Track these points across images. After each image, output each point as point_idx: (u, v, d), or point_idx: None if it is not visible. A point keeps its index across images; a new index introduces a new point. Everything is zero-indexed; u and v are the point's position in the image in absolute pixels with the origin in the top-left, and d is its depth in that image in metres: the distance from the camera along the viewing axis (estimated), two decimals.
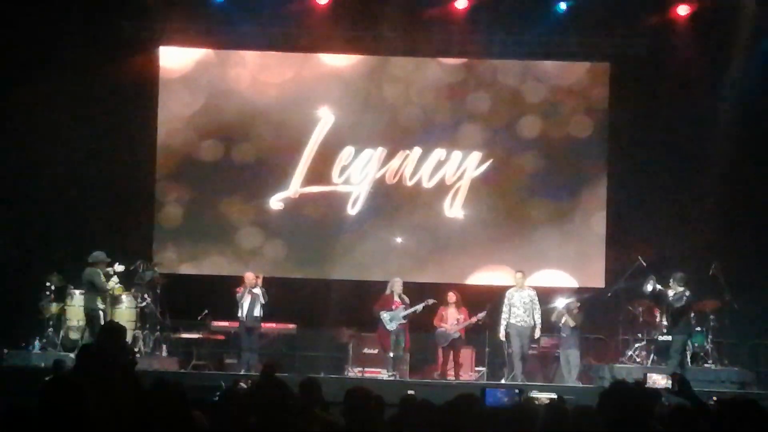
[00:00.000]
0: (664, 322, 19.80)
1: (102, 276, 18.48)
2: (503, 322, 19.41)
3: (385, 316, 19.63)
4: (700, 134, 20.80)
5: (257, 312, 19.43)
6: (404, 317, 19.61)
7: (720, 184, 20.64)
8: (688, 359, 19.06)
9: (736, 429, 5.39)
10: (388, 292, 19.85)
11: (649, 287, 19.12)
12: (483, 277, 21.56)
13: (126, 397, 8.09)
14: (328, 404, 9.43)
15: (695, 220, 20.67)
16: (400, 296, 19.78)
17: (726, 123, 20.50)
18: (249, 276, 19.65)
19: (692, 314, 19.01)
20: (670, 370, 17.76)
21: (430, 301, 19.73)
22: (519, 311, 19.36)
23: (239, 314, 19.48)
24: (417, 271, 21.32)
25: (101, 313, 18.39)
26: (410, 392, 12.68)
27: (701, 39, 20.69)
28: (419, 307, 19.67)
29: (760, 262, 20.12)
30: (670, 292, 18.64)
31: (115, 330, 9.21)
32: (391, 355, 19.55)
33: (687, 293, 18.56)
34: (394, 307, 19.69)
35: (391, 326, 19.58)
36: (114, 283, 18.76)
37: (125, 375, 8.49)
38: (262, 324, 19.63)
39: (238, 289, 19.46)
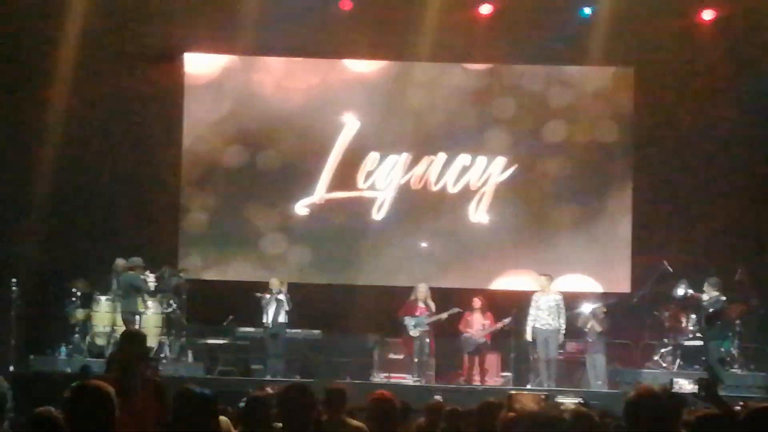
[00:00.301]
0: (691, 327, 19.77)
1: (141, 280, 18.79)
2: (530, 325, 19.37)
3: (408, 321, 19.64)
4: (725, 139, 20.74)
5: (282, 318, 19.48)
6: (428, 324, 19.61)
7: (745, 188, 20.59)
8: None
9: None
10: (412, 297, 19.86)
11: (681, 291, 19.07)
12: (508, 282, 21.55)
13: (147, 402, 8.13)
14: (353, 410, 9.44)
15: (721, 225, 20.57)
16: (425, 302, 19.77)
17: (751, 128, 20.41)
18: (274, 282, 19.70)
19: (726, 319, 18.94)
20: (719, 376, 17.82)
21: (455, 310, 19.72)
22: (544, 315, 19.30)
23: (264, 320, 19.53)
24: (442, 276, 21.29)
25: (138, 317, 18.63)
26: (437, 398, 12.67)
27: (726, 44, 20.60)
28: (444, 315, 19.66)
29: None
30: (704, 297, 18.56)
31: (134, 336, 9.26)
32: (416, 360, 19.55)
33: (722, 298, 18.49)
34: (418, 313, 19.70)
35: (414, 332, 19.60)
36: (153, 284, 19.00)
37: (146, 381, 8.52)
38: (287, 330, 19.66)
39: (264, 293, 19.54)
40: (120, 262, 19.44)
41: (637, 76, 21.67)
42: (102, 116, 20.68)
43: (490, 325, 19.65)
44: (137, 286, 18.76)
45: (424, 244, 21.80)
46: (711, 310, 18.50)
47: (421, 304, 19.75)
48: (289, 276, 20.49)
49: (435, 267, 21.63)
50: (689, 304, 19.50)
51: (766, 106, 20.24)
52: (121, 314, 18.86)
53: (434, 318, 19.64)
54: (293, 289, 19.74)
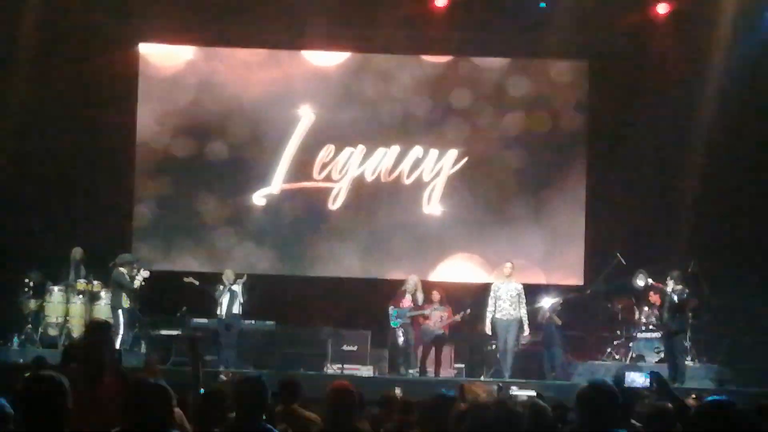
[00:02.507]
0: (644, 319, 19.87)
1: (126, 276, 18.78)
2: (489, 316, 19.24)
3: (391, 311, 19.64)
4: (680, 132, 20.85)
5: (236, 309, 19.45)
6: (409, 316, 19.57)
7: (699, 181, 20.69)
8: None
9: (714, 429, 5.39)
10: (402, 288, 19.81)
11: (640, 282, 19.12)
12: (462, 273, 21.60)
13: (112, 393, 8.10)
14: (307, 401, 9.44)
15: (674, 218, 20.72)
16: (413, 294, 19.70)
17: (706, 120, 20.51)
18: (228, 273, 19.69)
19: (689, 311, 19.05)
20: (681, 368, 17.96)
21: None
22: (505, 305, 19.16)
23: (218, 311, 19.49)
24: (396, 268, 21.30)
25: (120, 312, 18.62)
26: (398, 390, 12.67)
27: (681, 37, 20.72)
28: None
29: (738, 259, 20.16)
30: (668, 289, 18.62)
31: (100, 326, 9.21)
32: (399, 350, 19.59)
33: (686, 290, 18.58)
34: (403, 304, 19.67)
35: (395, 323, 19.58)
36: (139, 282, 18.94)
37: (111, 371, 8.50)
38: (241, 321, 19.64)
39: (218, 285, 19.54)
40: (78, 250, 19.39)
41: (592, 69, 21.78)
42: (56, 105, 20.51)
43: (448, 317, 19.66)
44: (120, 282, 18.75)
45: (378, 236, 21.81)
46: (676, 301, 18.55)
47: (408, 296, 19.69)
48: (242, 267, 20.45)
49: (390, 258, 21.68)
50: (646, 296, 19.61)
51: (721, 99, 20.35)
52: (111, 308, 18.85)
53: (417, 312, 19.55)
54: (247, 280, 19.70)
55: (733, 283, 19.77)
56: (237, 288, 19.46)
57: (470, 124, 21.90)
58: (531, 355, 19.99)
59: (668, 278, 18.63)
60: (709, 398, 5.59)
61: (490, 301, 19.28)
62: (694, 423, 5.50)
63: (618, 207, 21.04)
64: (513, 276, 19.44)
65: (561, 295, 19.91)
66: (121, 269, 18.85)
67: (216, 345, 19.40)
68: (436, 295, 19.80)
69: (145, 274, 19.03)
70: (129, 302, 18.87)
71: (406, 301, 19.69)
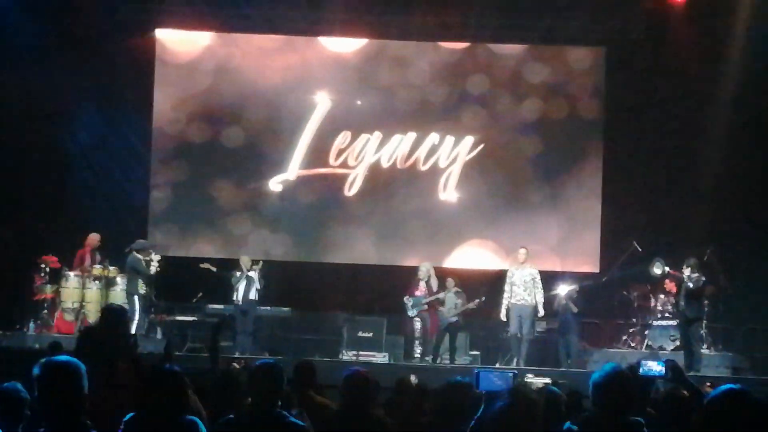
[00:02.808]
0: (660, 307, 19.84)
1: (142, 262, 18.79)
2: (504, 302, 19.16)
3: (407, 302, 19.63)
4: (697, 119, 20.77)
5: (252, 295, 19.44)
6: (426, 303, 19.57)
7: (716, 169, 20.62)
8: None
9: (727, 418, 5.36)
10: (416, 277, 19.81)
11: (657, 270, 19.05)
12: (478, 260, 21.58)
13: (127, 378, 8.11)
14: (322, 387, 9.44)
15: (691, 206, 20.65)
16: (427, 281, 19.68)
17: (723, 108, 20.43)
18: (245, 260, 19.68)
19: (705, 299, 19.04)
20: (698, 356, 17.91)
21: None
22: (520, 290, 19.07)
23: (234, 297, 19.49)
24: (412, 254, 21.29)
25: (136, 298, 18.61)
26: (412, 377, 12.67)
27: (698, 24, 20.62)
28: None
29: (755, 247, 20.10)
30: (685, 276, 18.57)
31: (115, 312, 9.21)
32: (416, 339, 19.58)
33: (703, 278, 18.52)
34: (417, 292, 19.66)
35: (411, 312, 19.57)
36: (155, 268, 18.98)
37: (127, 357, 8.52)
38: (257, 307, 19.65)
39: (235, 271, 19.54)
40: (95, 236, 19.45)
41: (608, 56, 21.71)
42: (72, 90, 20.48)
43: (462, 304, 19.64)
44: (136, 268, 18.77)
45: (394, 222, 21.80)
46: (692, 288, 18.49)
47: (422, 284, 19.67)
48: (258, 253, 20.47)
49: (405, 245, 21.65)
50: (662, 283, 19.57)
51: (738, 86, 20.28)
52: (126, 294, 18.87)
53: (432, 298, 19.55)
54: (263, 266, 19.70)
55: (750, 271, 19.74)
56: (253, 274, 19.43)
57: (487, 110, 21.86)
58: (547, 343, 19.96)
59: (684, 266, 18.56)
60: (723, 387, 5.57)
61: (506, 287, 19.21)
62: (708, 411, 5.47)
63: (634, 194, 21.00)
64: (528, 262, 19.33)
65: (577, 282, 19.83)
66: (137, 255, 18.85)
67: (232, 331, 19.41)
68: (450, 282, 19.77)
69: (156, 257, 19.07)
70: (145, 288, 18.91)
71: (421, 289, 19.66)
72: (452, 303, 19.63)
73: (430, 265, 19.98)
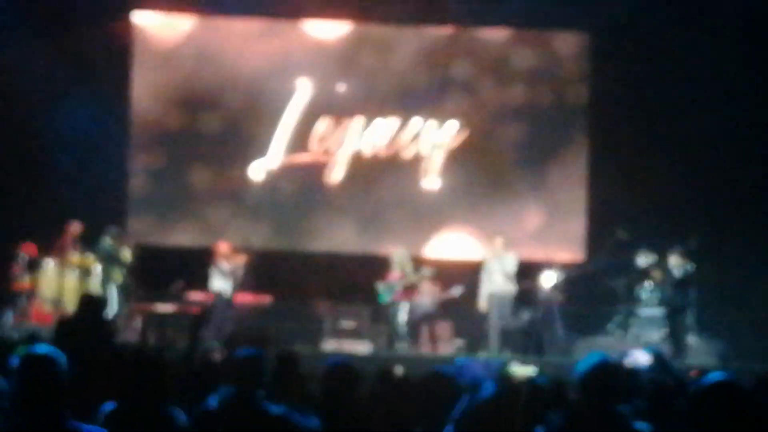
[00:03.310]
0: (645, 296, 19.80)
1: (115, 249, 18.87)
2: (483, 292, 19.12)
3: (380, 288, 19.51)
4: (681, 105, 20.71)
5: (231, 285, 19.33)
6: (402, 287, 19.38)
7: (702, 155, 20.61)
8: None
9: (715, 410, 5.30)
10: (390, 262, 19.66)
11: (642, 261, 19.05)
12: (461, 248, 21.51)
13: (105, 367, 8.04)
14: (304, 377, 9.35)
15: (677, 193, 20.60)
16: (401, 267, 19.50)
17: (708, 95, 20.39)
18: (222, 246, 19.54)
19: (691, 287, 19.06)
20: (682, 344, 18.05)
21: (426, 272, 19.46)
22: (499, 279, 19.02)
23: (213, 287, 19.38)
24: (395, 242, 21.09)
25: (114, 286, 18.69)
26: (398, 368, 12.59)
27: (683, 8, 20.58)
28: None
29: (742, 235, 20.12)
30: (670, 265, 18.58)
31: (93, 301, 9.14)
32: (401, 326, 19.43)
33: (688, 266, 18.53)
34: (391, 279, 19.51)
35: (384, 299, 19.45)
36: (127, 256, 18.99)
37: (104, 345, 8.45)
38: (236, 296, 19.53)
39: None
40: (77, 225, 19.30)
41: (594, 41, 21.66)
42: (46, 75, 20.28)
43: (439, 293, 19.59)
44: (110, 254, 18.80)
45: (375, 210, 21.70)
46: (678, 277, 18.51)
47: (396, 270, 19.51)
48: (238, 241, 20.36)
49: (387, 233, 21.54)
50: (649, 272, 19.56)
51: (723, 72, 20.25)
52: (101, 283, 18.83)
53: (405, 281, 19.37)
54: (244, 254, 19.61)
55: (738, 258, 19.74)
56: (233, 265, 19.35)
57: (470, 96, 21.76)
58: (531, 332, 19.91)
59: (670, 254, 18.58)
60: (711, 377, 5.52)
61: (484, 276, 19.16)
62: (695, 402, 5.42)
63: (621, 181, 20.89)
64: (506, 249, 19.26)
65: (562, 271, 19.80)
66: (111, 242, 18.82)
67: (211, 322, 19.27)
68: (426, 271, 19.72)
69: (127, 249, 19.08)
70: (121, 277, 18.79)
71: (395, 275, 19.49)
72: (430, 292, 19.59)
73: (405, 250, 19.83)
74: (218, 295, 19.30)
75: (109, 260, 18.71)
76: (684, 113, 20.67)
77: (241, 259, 19.41)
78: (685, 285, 18.49)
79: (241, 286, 19.42)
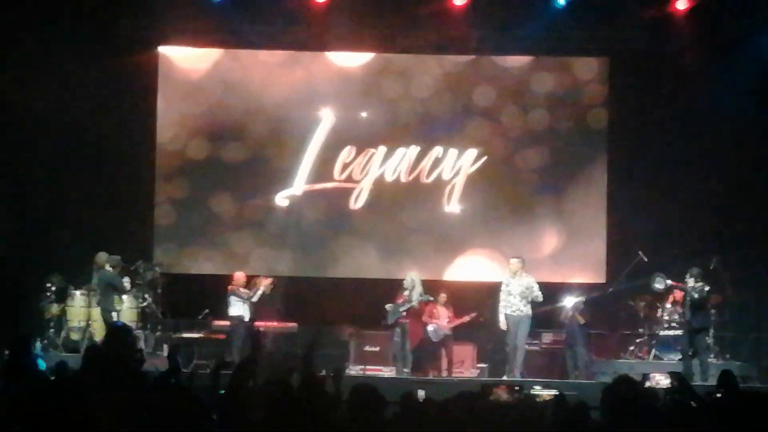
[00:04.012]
0: (666, 317, 19.82)
1: (117, 277, 18.90)
2: (501, 313, 19.07)
3: (388, 309, 19.58)
4: (700, 128, 20.73)
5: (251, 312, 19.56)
6: (403, 311, 19.45)
7: (720, 178, 20.62)
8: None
9: (745, 424, 5.35)
10: (403, 285, 19.76)
11: (660, 285, 19.03)
12: (482, 272, 21.50)
13: (133, 395, 8.12)
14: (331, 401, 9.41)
15: (696, 215, 20.59)
16: (410, 291, 19.55)
17: (726, 116, 20.39)
18: (239, 276, 19.74)
19: (711, 308, 19.07)
20: (704, 366, 18.05)
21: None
22: (515, 300, 18.99)
23: (237, 313, 19.53)
24: (417, 267, 21.11)
25: (115, 314, 18.68)
26: (421, 393, 12.65)
27: (700, 33, 20.62)
28: (414, 300, 19.47)
29: (761, 255, 20.10)
30: (689, 286, 18.57)
31: (122, 330, 9.23)
32: (394, 348, 19.50)
33: (707, 287, 18.54)
34: (398, 300, 19.59)
35: (389, 320, 19.50)
36: (128, 284, 19.11)
37: (132, 374, 8.52)
38: (262, 323, 19.67)
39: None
40: (102, 256, 19.35)
41: (611, 66, 21.69)
42: (74, 108, 20.44)
43: (452, 318, 19.68)
44: (114, 284, 18.79)
45: (399, 236, 21.75)
46: (697, 298, 18.50)
47: (405, 293, 19.60)
48: (263, 269, 20.49)
49: (410, 258, 21.53)
50: (669, 293, 19.56)
51: (739, 95, 20.26)
52: (101, 312, 18.85)
53: (408, 305, 19.44)
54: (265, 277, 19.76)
55: (756, 279, 19.72)
56: (259, 292, 19.56)
57: (491, 122, 21.76)
58: (554, 354, 19.93)
59: (688, 275, 18.58)
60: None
61: (502, 297, 19.15)
62: (723, 417, 5.45)
63: (640, 204, 20.89)
64: (522, 271, 19.27)
65: (584, 293, 19.81)
66: (112, 270, 18.87)
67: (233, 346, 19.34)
68: (443, 297, 19.91)
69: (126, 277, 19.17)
70: (120, 304, 18.94)
71: (401, 298, 19.62)
72: (445, 316, 19.69)
73: (417, 274, 19.89)
74: (239, 320, 19.39)
75: (111, 288, 18.77)
76: (702, 136, 20.68)
77: (260, 282, 19.53)
78: (703, 306, 18.50)
79: (269, 306, 19.51)
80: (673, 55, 20.92)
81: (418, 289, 19.64)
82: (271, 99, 21.78)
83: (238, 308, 19.54)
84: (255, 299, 19.58)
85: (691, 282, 18.50)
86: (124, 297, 19.35)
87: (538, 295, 19.07)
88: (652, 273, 19.14)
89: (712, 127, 20.58)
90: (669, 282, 18.94)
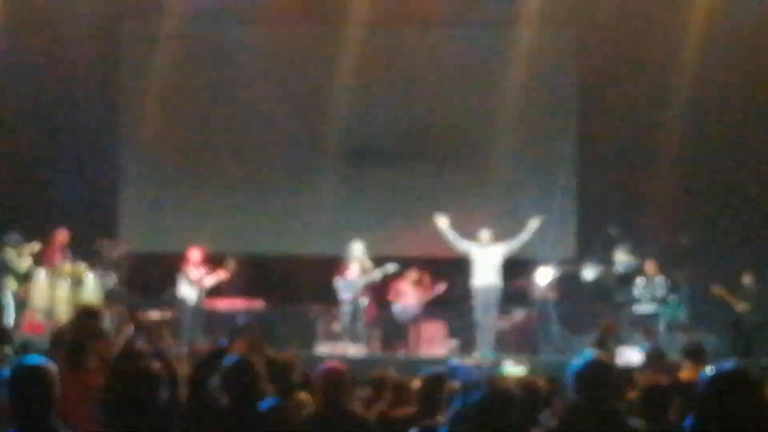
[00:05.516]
0: (638, 292, 19.84)
1: (15, 257, 18.56)
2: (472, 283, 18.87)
3: (340, 284, 19.14)
4: (670, 101, 20.75)
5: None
6: (362, 286, 19.10)
7: (691, 154, 20.66)
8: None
9: (725, 403, 5.28)
10: (347, 258, 19.23)
11: (589, 274, 19.26)
12: (448, 245, 21.39)
13: (101, 378, 8.03)
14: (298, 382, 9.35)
15: (666, 189, 20.63)
16: (360, 263, 19.12)
17: (694, 90, 20.40)
18: (193, 253, 19.45)
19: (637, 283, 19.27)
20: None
21: (390, 267, 19.09)
22: (485, 269, 18.74)
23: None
24: (382, 241, 20.91)
25: (9, 294, 18.48)
26: (390, 369, 12.60)
27: (670, 6, 20.62)
28: (377, 274, 19.07)
29: (731, 229, 20.21)
30: (617, 261, 18.77)
31: (88, 312, 9.14)
32: (344, 326, 19.11)
33: (634, 262, 18.75)
34: (350, 274, 19.12)
35: (346, 296, 19.07)
36: (28, 264, 18.73)
37: (100, 357, 8.44)
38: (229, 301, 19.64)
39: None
40: (63, 232, 19.22)
41: (578, 40, 21.67)
42: (38, 76, 20.34)
43: (423, 293, 19.60)
44: (7, 265, 18.56)
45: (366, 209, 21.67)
46: (623, 273, 18.71)
47: (354, 265, 19.13)
48: (230, 245, 20.37)
49: (376, 232, 21.32)
50: (643, 268, 19.67)
51: (704, 70, 20.29)
52: None
53: (367, 278, 19.02)
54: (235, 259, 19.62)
55: (728, 256, 19.83)
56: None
57: (456, 94, 21.74)
58: (525, 330, 19.91)
59: (617, 250, 18.76)
60: (722, 367, 5.50)
61: (473, 267, 18.90)
62: (703, 396, 5.39)
63: (611, 179, 20.92)
64: (492, 242, 18.95)
65: (555, 268, 19.81)
66: (9, 250, 18.62)
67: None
68: (413, 275, 19.71)
69: (36, 247, 18.78)
70: (16, 285, 18.70)
71: (353, 272, 19.14)
72: (413, 293, 19.59)
73: (362, 244, 19.36)
74: (183, 303, 19.18)
75: (4, 268, 18.53)
76: (672, 111, 20.69)
77: (228, 267, 19.33)
78: (628, 280, 18.79)
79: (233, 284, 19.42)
80: (639, 27, 20.85)
81: (367, 260, 19.17)
82: (240, 70, 21.60)
83: (185, 290, 19.23)
84: (208, 285, 19.36)
85: (619, 257, 18.68)
86: (89, 277, 19.21)
87: (511, 243, 18.85)
88: (582, 264, 19.25)
89: (683, 103, 20.57)
90: (601, 269, 19.16)
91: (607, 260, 19.71)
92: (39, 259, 19.23)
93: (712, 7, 20.02)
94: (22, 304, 18.93)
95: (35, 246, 18.74)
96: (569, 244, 21.45)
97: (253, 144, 21.75)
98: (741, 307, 19.14)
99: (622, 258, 18.76)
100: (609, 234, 19.77)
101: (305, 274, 20.54)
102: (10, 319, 17.93)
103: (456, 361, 16.92)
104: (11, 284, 18.60)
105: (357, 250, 19.22)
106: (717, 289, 19.23)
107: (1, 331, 12.23)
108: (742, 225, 20.42)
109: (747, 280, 19.29)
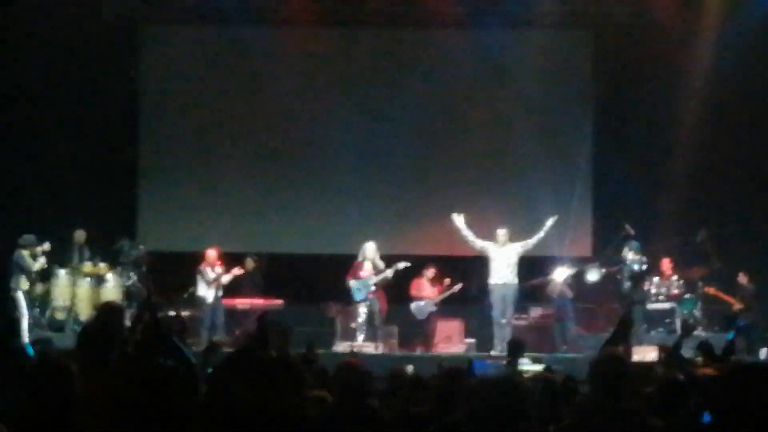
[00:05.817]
0: (653, 290, 19.79)
1: (28, 258, 18.57)
2: (489, 282, 18.94)
3: (353, 284, 19.21)
4: (685, 101, 20.72)
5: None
6: (374, 284, 19.18)
7: (706, 152, 20.61)
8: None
9: (744, 399, 5.25)
10: (359, 258, 19.32)
11: (593, 276, 19.23)
12: (463, 246, 21.38)
13: (123, 376, 8.06)
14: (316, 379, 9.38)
15: (681, 187, 20.60)
16: (373, 262, 19.24)
17: (709, 90, 20.39)
18: (210, 253, 19.59)
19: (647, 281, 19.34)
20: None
21: (401, 265, 19.14)
22: (502, 268, 18.83)
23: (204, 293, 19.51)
24: (399, 240, 20.96)
25: (20, 294, 18.46)
26: (409, 367, 12.63)
27: (684, 6, 20.60)
28: (389, 272, 19.13)
29: (747, 227, 20.15)
30: (627, 260, 18.75)
31: (113, 309, 9.16)
32: (363, 327, 19.16)
33: (645, 260, 18.74)
34: (363, 274, 19.20)
35: (359, 296, 19.13)
36: (41, 264, 18.79)
37: (123, 354, 8.46)
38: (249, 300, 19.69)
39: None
40: (81, 233, 19.34)
41: (596, 39, 21.65)
42: (56, 80, 20.42)
43: (440, 291, 19.62)
44: (20, 265, 18.59)
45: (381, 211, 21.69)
46: (636, 271, 18.66)
47: (367, 265, 19.21)
48: (250, 245, 20.40)
49: (393, 231, 21.34)
50: (659, 266, 19.62)
51: (722, 68, 20.25)
52: (10, 291, 18.68)
53: (380, 277, 19.09)
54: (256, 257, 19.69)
55: (742, 250, 19.78)
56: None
57: (477, 96, 21.74)
58: (542, 328, 19.89)
59: (626, 249, 18.75)
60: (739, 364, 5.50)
61: (490, 267, 18.96)
62: (721, 390, 5.37)
63: (627, 177, 20.89)
64: (508, 242, 19.00)
65: (572, 266, 19.79)
66: (23, 251, 18.65)
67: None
68: (431, 272, 19.75)
69: (47, 247, 18.83)
70: (27, 285, 18.73)
71: (366, 271, 19.22)
72: (431, 290, 19.62)
73: (375, 244, 19.45)
74: (202, 302, 19.32)
75: (18, 269, 18.59)
76: (687, 107, 20.67)
77: (247, 264, 19.44)
78: (641, 279, 18.86)
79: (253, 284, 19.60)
80: (657, 28, 20.83)
81: (379, 260, 19.23)
82: (255, 73, 21.65)
83: (202, 289, 19.41)
84: (224, 282, 19.51)
85: (630, 255, 18.65)
86: (109, 276, 19.29)
87: (528, 242, 18.93)
88: (587, 266, 19.24)
89: (699, 100, 20.54)
90: (603, 271, 19.14)
91: (619, 260, 19.65)
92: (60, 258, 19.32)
93: (727, 5, 19.99)
94: (33, 303, 19.01)
95: (47, 246, 18.83)
96: (586, 242, 21.41)
97: (270, 145, 21.76)
98: (737, 306, 19.14)
99: (632, 257, 18.73)
100: (625, 231, 19.74)
101: (324, 273, 20.55)
102: (23, 318, 17.97)
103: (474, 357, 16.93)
104: (23, 284, 18.66)
105: (370, 249, 19.27)
106: (711, 289, 19.24)
107: (10, 323, 12.23)
108: (753, 222, 20.40)
109: (743, 279, 19.28)
